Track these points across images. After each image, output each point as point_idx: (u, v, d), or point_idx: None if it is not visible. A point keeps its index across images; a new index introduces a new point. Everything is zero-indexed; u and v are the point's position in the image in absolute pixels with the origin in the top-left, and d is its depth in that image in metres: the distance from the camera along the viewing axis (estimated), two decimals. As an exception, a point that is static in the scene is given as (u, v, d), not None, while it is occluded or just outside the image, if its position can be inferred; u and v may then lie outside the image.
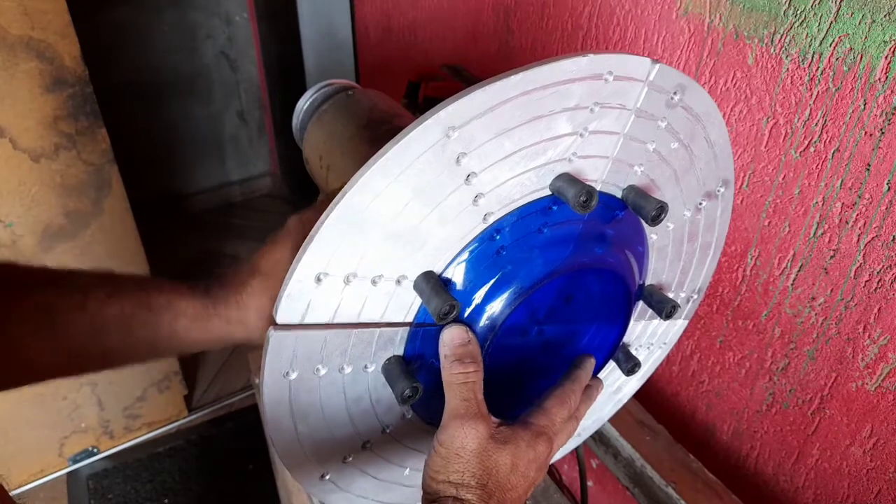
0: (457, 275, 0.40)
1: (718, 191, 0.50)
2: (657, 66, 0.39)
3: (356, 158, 0.56)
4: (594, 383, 0.50)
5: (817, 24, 0.52)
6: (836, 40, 0.51)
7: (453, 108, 0.34)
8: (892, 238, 0.52)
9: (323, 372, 0.38)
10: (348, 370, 0.39)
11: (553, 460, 0.48)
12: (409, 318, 0.40)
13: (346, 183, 0.34)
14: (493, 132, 0.36)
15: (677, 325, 0.60)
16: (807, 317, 0.61)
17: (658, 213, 0.41)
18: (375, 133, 0.58)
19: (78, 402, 1.51)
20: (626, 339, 0.54)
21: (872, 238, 0.53)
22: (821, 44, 0.52)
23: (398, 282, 0.38)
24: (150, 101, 2.29)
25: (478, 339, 0.41)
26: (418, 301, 0.39)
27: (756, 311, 0.66)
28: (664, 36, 0.66)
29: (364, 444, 0.44)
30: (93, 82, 1.23)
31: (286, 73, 2.21)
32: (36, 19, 1.12)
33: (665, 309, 0.49)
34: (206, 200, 2.62)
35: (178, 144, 2.45)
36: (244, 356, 1.88)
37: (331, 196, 0.35)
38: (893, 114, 0.49)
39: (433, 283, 0.38)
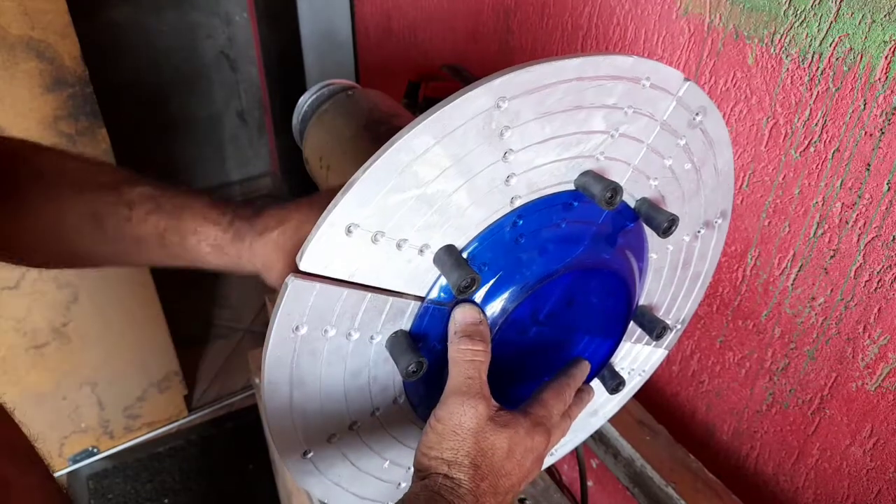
0: (475, 255, 0.40)
1: (716, 221, 0.51)
2: (688, 83, 0.40)
3: (357, 158, 0.56)
4: (586, 388, 0.49)
5: (817, 24, 0.52)
6: (836, 40, 0.51)
7: (508, 78, 0.34)
8: (892, 238, 0.52)
9: (331, 333, 0.38)
10: (355, 336, 0.39)
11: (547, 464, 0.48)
12: (423, 293, 0.40)
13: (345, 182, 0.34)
14: (539, 112, 0.36)
15: (657, 354, 0.61)
16: (807, 317, 0.61)
17: (670, 224, 0.42)
18: (376, 133, 0.58)
19: (78, 402, 1.51)
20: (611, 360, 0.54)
21: (872, 238, 0.53)
22: (821, 44, 0.52)
23: (421, 251, 0.38)
24: (150, 101, 2.29)
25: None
26: (433, 277, 0.39)
27: (756, 311, 0.66)
28: (664, 36, 0.66)
29: (351, 425, 0.44)
30: (93, 82, 1.23)
31: (286, 74, 2.21)
32: (36, 19, 1.12)
33: (656, 329, 0.50)
34: (206, 200, 2.61)
35: (178, 144, 2.45)
36: (244, 356, 1.88)
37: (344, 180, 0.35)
38: (893, 114, 0.49)
39: (455, 257, 0.38)
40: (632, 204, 0.45)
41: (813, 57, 0.53)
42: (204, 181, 2.59)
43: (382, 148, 0.34)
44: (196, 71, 2.36)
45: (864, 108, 0.51)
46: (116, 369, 1.53)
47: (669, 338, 0.60)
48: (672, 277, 0.53)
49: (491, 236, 0.40)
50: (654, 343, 0.58)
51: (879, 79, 0.49)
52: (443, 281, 0.40)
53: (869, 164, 0.52)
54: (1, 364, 1.34)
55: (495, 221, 0.39)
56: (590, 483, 0.93)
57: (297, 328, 0.37)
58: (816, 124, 0.55)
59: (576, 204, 0.41)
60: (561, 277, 0.41)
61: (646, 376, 0.62)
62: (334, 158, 0.60)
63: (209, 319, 2.06)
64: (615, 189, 0.38)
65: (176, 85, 2.34)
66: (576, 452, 0.68)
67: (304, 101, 0.66)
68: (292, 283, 0.35)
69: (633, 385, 0.62)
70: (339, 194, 0.34)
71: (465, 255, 0.39)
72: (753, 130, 0.60)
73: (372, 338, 0.40)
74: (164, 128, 2.38)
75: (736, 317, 0.69)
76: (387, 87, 0.73)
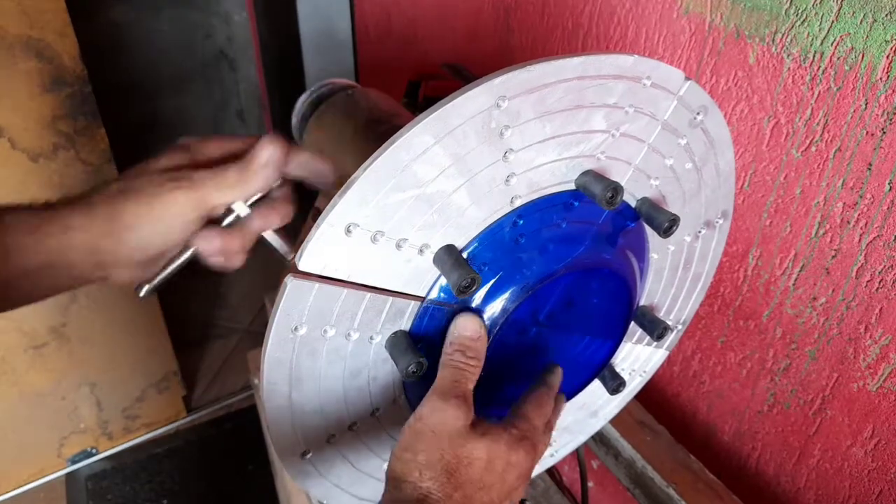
0: (475, 255, 0.40)
1: (717, 221, 0.51)
2: (689, 82, 0.40)
3: (356, 158, 0.56)
4: (559, 396, 0.48)
5: (819, 23, 0.52)
6: (837, 39, 0.51)
7: (508, 77, 0.34)
8: (893, 238, 0.52)
9: (331, 334, 0.38)
10: (354, 337, 0.39)
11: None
12: (423, 293, 0.40)
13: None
14: (539, 112, 0.36)
15: (658, 355, 0.60)
16: (808, 317, 0.61)
17: (671, 224, 0.42)
18: (375, 132, 0.58)
19: (77, 402, 1.50)
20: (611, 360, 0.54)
21: (874, 238, 0.53)
22: (822, 43, 0.52)
23: (420, 251, 0.38)
24: (149, 101, 2.29)
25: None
26: (433, 277, 0.39)
27: (757, 311, 0.66)
28: (665, 35, 0.66)
29: (351, 426, 0.44)
30: (92, 82, 1.23)
31: (286, 73, 2.21)
32: (35, 19, 1.11)
33: (657, 330, 0.50)
34: (206, 200, 2.61)
35: (178, 144, 2.45)
36: (243, 357, 1.88)
37: (343, 179, 0.35)
38: (895, 113, 0.49)
39: (455, 257, 0.38)
40: (633, 204, 0.45)
41: (814, 56, 0.53)
42: (203, 181, 2.59)
43: (382, 147, 0.33)
44: (195, 70, 2.36)
45: (866, 107, 0.50)
46: (115, 370, 1.53)
47: (670, 338, 0.60)
48: (673, 278, 0.53)
49: (491, 236, 0.39)
50: (655, 344, 0.58)
51: (881, 78, 0.49)
52: (443, 281, 0.39)
53: (870, 164, 0.51)
54: (0, 364, 1.34)
55: (495, 221, 0.39)
56: (590, 484, 0.93)
57: (296, 328, 0.37)
58: (818, 124, 0.54)
59: (576, 204, 0.41)
60: (561, 277, 0.41)
61: (647, 377, 0.62)
62: (334, 158, 0.60)
63: (208, 320, 2.05)
64: (616, 189, 0.38)
65: (175, 84, 2.34)
66: (576, 453, 0.68)
67: (304, 101, 0.65)
68: (291, 282, 0.35)
69: (633, 386, 0.62)
70: (338, 194, 0.34)
71: (465, 254, 0.39)
72: (755, 130, 0.60)
73: (371, 338, 0.40)
74: (163, 127, 2.37)
75: (737, 317, 0.69)
76: (386, 86, 0.72)
